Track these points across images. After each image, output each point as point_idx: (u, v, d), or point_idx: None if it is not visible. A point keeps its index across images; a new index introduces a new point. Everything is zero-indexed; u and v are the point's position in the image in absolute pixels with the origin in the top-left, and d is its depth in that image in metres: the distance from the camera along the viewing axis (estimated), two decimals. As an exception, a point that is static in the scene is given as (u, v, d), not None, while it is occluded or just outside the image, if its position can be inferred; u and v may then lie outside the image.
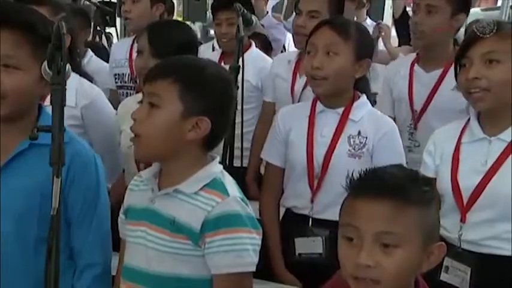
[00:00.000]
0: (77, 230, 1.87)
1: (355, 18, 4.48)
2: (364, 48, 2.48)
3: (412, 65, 3.06)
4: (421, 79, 3.01)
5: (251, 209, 1.81)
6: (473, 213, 2.16)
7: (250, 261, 1.76)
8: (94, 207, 1.88)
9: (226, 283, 1.76)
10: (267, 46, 4.67)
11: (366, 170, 1.55)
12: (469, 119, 2.27)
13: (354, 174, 1.54)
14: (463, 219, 2.17)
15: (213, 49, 4.49)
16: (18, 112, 1.81)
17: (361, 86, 2.54)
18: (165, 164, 1.83)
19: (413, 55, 3.14)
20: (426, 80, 2.99)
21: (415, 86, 3.02)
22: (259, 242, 1.79)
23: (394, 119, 3.02)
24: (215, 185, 1.77)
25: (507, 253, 2.13)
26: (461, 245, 2.18)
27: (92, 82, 3.00)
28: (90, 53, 4.01)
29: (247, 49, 3.57)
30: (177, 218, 1.75)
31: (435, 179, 2.24)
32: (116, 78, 3.82)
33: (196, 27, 8.21)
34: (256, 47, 3.74)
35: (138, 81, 3.03)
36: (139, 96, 2.78)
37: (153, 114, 1.75)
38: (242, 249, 1.74)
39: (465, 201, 2.17)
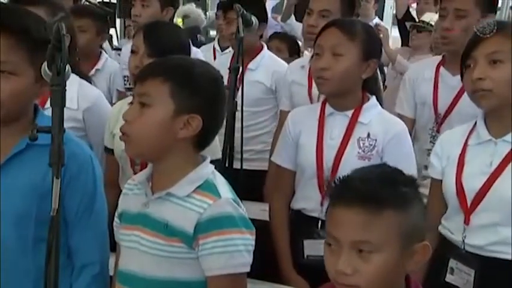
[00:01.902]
0: (74, 229, 1.87)
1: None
2: (372, 48, 2.46)
3: (438, 67, 3.00)
4: (447, 82, 2.95)
5: (244, 210, 1.81)
6: (477, 216, 2.14)
7: (243, 261, 1.76)
8: (91, 207, 1.88)
9: (220, 284, 1.76)
10: (295, 48, 4.65)
11: (340, 177, 1.56)
12: (476, 122, 2.26)
13: (330, 181, 1.57)
14: (466, 221, 2.15)
15: (214, 50, 4.48)
16: (14, 115, 1.80)
17: (371, 86, 2.52)
18: (157, 164, 1.83)
19: (439, 57, 3.07)
20: (452, 83, 2.91)
21: (440, 89, 2.96)
22: (253, 242, 1.79)
23: (414, 121, 3.02)
24: (207, 187, 1.78)
25: (510, 257, 2.11)
26: (465, 247, 2.17)
27: (90, 83, 3.00)
28: (105, 55, 4.00)
29: (259, 52, 3.57)
30: (170, 221, 1.76)
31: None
32: (124, 80, 3.82)
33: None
34: (279, 47, 3.70)
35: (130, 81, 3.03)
36: (130, 99, 2.79)
37: (145, 114, 1.76)
38: (235, 251, 1.74)
39: (469, 203, 2.15)
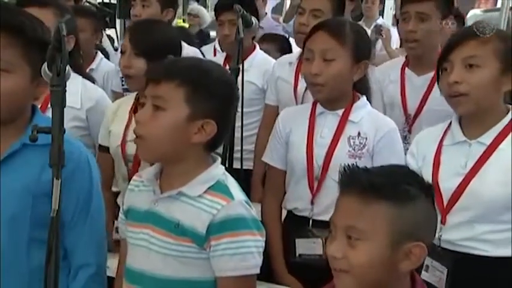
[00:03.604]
0: (70, 230, 1.86)
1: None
2: (362, 50, 2.46)
3: (403, 68, 3.06)
4: (413, 82, 3.02)
5: (255, 211, 1.81)
6: (453, 215, 2.17)
7: (254, 263, 1.77)
8: (87, 208, 1.87)
9: (231, 285, 1.77)
10: (286, 47, 4.60)
11: (350, 165, 1.60)
12: (451, 122, 2.28)
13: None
14: (443, 221, 2.17)
15: (215, 51, 4.48)
16: (10, 115, 1.79)
17: (361, 86, 2.53)
18: (168, 166, 1.82)
19: (402, 58, 3.14)
20: (418, 83, 2.99)
21: (408, 90, 3.02)
22: (263, 244, 1.80)
23: None
24: (219, 188, 1.77)
25: (483, 253, 2.14)
26: (440, 245, 2.19)
27: (94, 83, 3.01)
28: (100, 55, 4.01)
29: (252, 52, 3.57)
30: (181, 221, 1.75)
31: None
32: (122, 81, 3.81)
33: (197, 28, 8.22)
34: (268, 49, 3.71)
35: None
36: (128, 98, 2.80)
37: (158, 117, 1.74)
38: (247, 252, 1.75)
39: (445, 203, 2.18)
